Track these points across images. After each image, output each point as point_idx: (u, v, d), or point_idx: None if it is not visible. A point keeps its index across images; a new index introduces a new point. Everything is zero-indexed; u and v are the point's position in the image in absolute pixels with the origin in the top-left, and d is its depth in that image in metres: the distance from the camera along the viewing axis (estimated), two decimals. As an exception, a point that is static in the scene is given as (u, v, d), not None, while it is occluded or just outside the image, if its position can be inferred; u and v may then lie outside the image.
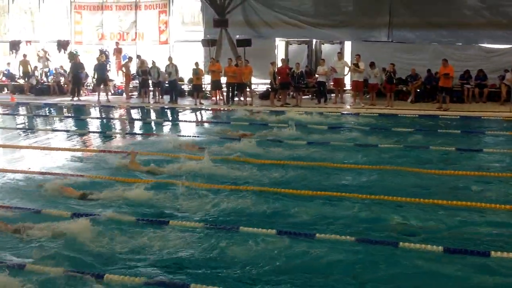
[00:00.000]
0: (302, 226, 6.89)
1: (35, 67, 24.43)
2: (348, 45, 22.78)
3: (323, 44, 23.75)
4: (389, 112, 17.43)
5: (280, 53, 23.71)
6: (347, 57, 21.72)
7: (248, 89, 20.51)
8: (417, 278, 5.55)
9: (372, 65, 18.90)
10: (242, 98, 20.31)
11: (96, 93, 21.98)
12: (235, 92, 20.45)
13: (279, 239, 6.34)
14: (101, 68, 21.56)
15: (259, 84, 22.79)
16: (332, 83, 20.65)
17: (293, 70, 19.95)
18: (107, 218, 6.98)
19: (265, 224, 6.87)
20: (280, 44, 24.02)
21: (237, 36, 22.12)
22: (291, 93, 21.00)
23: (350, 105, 19.74)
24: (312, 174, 9.49)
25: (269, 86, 20.75)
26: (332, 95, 20.81)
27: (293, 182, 8.94)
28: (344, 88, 21.06)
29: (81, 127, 15.85)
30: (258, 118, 16.46)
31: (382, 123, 15.74)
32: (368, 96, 19.95)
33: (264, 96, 21.47)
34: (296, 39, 23.73)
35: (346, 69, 20.03)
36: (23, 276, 5.37)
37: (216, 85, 20.64)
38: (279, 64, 20.87)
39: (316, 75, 20.67)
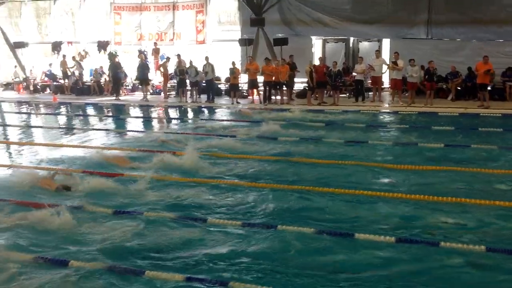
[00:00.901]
0: (342, 225, 6.87)
1: (74, 67, 24.85)
2: (386, 42, 22.53)
3: (360, 42, 23.55)
4: (429, 110, 17.16)
5: (317, 52, 23.61)
6: (385, 55, 21.47)
7: (285, 88, 20.50)
8: (459, 278, 5.49)
9: (412, 62, 18.60)
10: (279, 97, 20.35)
11: (135, 93, 22.44)
12: (272, 91, 20.51)
13: (318, 238, 6.35)
14: (143, 68, 22.02)
15: (296, 83, 22.73)
16: (370, 81, 20.46)
17: (330, 69, 19.84)
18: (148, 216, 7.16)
19: (303, 222, 6.89)
20: (317, 42, 23.92)
21: (275, 35, 22.14)
22: (329, 91, 20.87)
23: (388, 104, 19.51)
24: (350, 173, 9.45)
25: (306, 85, 20.68)
26: (370, 93, 20.62)
27: (330, 180, 8.93)
28: (382, 86, 20.81)
29: (120, 126, 16.10)
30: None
31: (421, 121, 15.53)
32: (406, 94, 19.70)
33: (301, 95, 21.41)
34: (333, 37, 23.58)
35: (384, 67, 19.76)
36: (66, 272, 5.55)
37: (253, 84, 20.72)
38: (316, 62, 20.76)
39: (354, 74, 20.51)
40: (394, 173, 9.47)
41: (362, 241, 6.26)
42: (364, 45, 23.38)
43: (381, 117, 17.06)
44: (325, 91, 20.35)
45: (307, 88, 20.27)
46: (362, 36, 23.03)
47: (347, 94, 21.49)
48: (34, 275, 5.46)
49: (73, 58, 24.72)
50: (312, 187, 8.39)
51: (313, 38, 23.53)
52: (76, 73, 24.63)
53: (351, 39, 23.46)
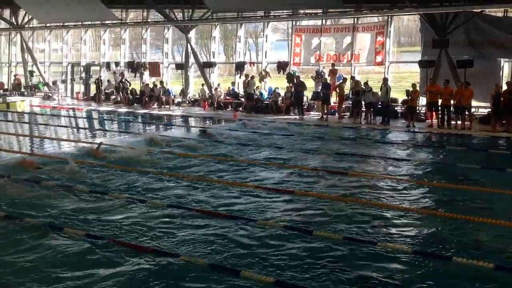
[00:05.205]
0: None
1: (255, 86, 26.06)
2: None
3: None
4: None
5: (505, 75, 21.92)
6: None
7: (467, 113, 19.34)
8: None
9: None
10: (459, 122, 19.28)
11: (310, 112, 23.14)
12: (452, 115, 19.51)
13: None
14: (326, 88, 22.63)
15: (480, 107, 21.35)
16: None
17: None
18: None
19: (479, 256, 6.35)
20: (506, 65, 22.22)
21: (459, 56, 21.03)
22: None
23: None
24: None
25: (490, 110, 19.29)
26: None
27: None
28: None
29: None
30: None
31: None
32: None
33: (485, 120, 20.00)
34: (526, 60, 21.65)
35: None
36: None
37: (432, 106, 19.93)
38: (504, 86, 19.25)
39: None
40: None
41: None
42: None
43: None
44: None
45: (491, 114, 18.86)
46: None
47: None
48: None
49: (264, 74, 26.02)
50: (484, 219, 7.74)
51: (502, 60, 21.87)
52: (257, 92, 25.86)
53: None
